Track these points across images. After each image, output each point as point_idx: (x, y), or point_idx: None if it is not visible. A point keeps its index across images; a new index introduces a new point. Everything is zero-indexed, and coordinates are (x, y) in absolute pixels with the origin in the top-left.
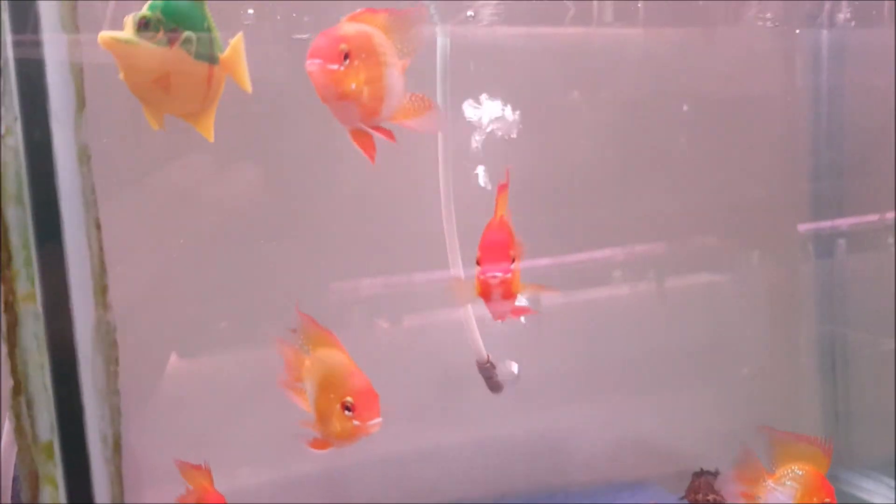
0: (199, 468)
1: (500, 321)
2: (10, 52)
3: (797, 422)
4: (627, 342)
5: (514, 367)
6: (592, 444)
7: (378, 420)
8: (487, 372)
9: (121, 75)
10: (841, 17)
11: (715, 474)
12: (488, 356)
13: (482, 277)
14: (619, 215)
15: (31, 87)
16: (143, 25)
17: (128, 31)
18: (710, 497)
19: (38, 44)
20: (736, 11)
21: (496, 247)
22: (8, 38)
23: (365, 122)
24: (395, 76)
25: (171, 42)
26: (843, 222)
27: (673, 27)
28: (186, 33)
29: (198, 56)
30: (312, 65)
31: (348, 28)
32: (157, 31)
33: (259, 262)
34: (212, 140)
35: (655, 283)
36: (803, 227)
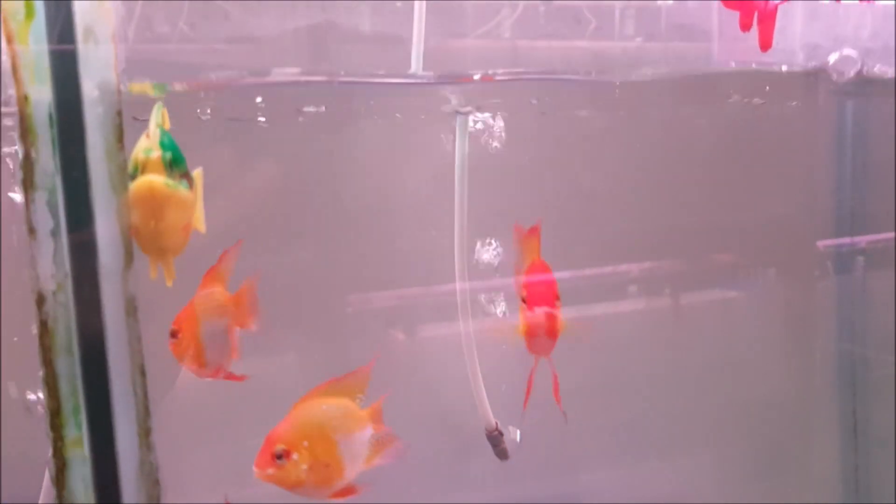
0: None
1: (541, 356)
2: (62, 216)
3: (815, 445)
4: (639, 365)
5: (517, 435)
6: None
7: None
8: (496, 440)
9: (150, 223)
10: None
11: None
12: (496, 423)
13: (530, 314)
14: (634, 231)
15: (81, 247)
16: (170, 165)
17: (155, 172)
18: None
19: (89, 207)
20: None
21: (543, 283)
22: (61, 202)
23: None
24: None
25: (190, 184)
26: (863, 239)
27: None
28: (193, 173)
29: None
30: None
31: (283, 426)
32: (174, 172)
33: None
34: (169, 284)
35: (671, 301)
36: (822, 244)
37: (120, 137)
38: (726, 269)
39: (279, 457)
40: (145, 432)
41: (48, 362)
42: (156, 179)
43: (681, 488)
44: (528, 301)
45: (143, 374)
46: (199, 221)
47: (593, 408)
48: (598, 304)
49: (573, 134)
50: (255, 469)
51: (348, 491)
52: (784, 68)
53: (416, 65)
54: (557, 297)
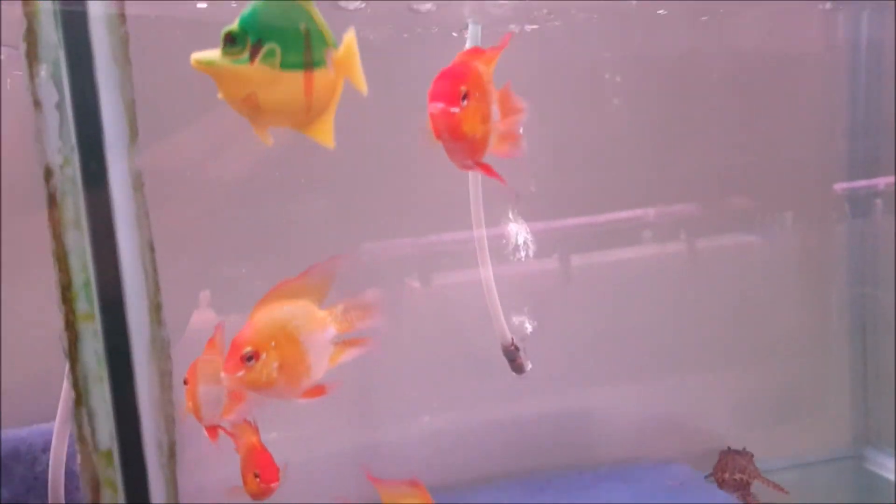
0: (249, 425)
1: (465, 170)
2: (67, 89)
3: (826, 387)
4: (655, 307)
5: (527, 326)
6: (621, 421)
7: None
8: (512, 355)
9: (219, 94)
10: None
11: (743, 453)
12: (513, 339)
13: (429, 110)
14: (650, 175)
15: (86, 120)
16: (230, 42)
17: (220, 46)
18: (737, 476)
19: (92, 80)
20: None
21: (447, 78)
22: (65, 75)
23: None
24: (315, 343)
25: (252, 58)
26: (878, 182)
27: None
28: (267, 46)
29: (287, 66)
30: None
31: (248, 330)
32: (244, 45)
33: (291, 221)
34: (332, 146)
35: (686, 245)
36: (838, 188)
37: (121, 9)
38: (743, 212)
39: (249, 358)
40: (156, 307)
41: (57, 236)
42: (193, 56)
43: (695, 413)
44: (430, 96)
45: (152, 249)
46: (360, 82)
47: (614, 345)
48: (616, 249)
49: (579, 70)
50: (223, 375)
51: (318, 390)
52: None
53: None
54: (463, 97)
